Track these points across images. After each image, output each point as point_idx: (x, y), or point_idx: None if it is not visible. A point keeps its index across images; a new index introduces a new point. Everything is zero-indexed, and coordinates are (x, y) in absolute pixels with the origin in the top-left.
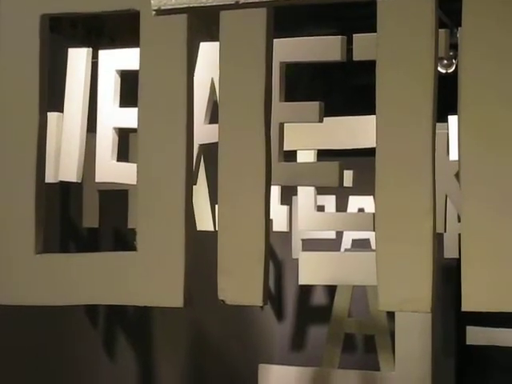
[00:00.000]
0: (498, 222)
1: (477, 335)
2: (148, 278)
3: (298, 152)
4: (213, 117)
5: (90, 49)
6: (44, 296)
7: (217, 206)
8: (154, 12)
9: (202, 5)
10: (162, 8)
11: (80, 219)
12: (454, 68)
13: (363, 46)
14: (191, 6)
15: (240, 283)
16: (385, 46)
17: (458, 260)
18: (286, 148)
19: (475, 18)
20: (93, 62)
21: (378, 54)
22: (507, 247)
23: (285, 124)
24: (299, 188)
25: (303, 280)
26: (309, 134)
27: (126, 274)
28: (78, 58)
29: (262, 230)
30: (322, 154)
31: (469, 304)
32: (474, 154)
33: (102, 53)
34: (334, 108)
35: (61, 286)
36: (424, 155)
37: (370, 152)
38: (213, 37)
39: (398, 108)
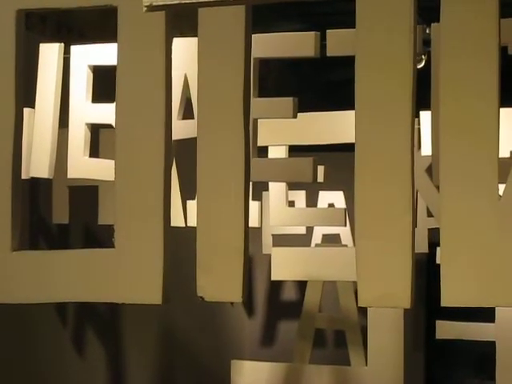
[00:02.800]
0: (477, 217)
1: (446, 329)
2: (126, 275)
3: (269, 147)
4: (185, 113)
5: (62, 44)
6: (20, 294)
7: (188, 202)
8: (145, 8)
9: (194, 1)
10: (154, 4)
11: (50, 215)
12: (423, 64)
13: (336, 41)
14: (183, 2)
15: (219, 280)
16: (363, 43)
17: (427, 254)
18: (259, 144)
19: (453, 13)
20: (64, 58)
21: (356, 51)
22: (486, 243)
23: (258, 120)
24: (270, 183)
25: (276, 275)
26: (282, 130)
27: (104, 271)
28: (49, 54)
29: (241, 227)
30: (292, 150)
31: (448, 299)
32: (454, 149)
33: (74, 48)
34: (305, 104)
35: (38, 284)
36: (403, 152)
37: (340, 147)
38: (182, 32)
39: (376, 104)
